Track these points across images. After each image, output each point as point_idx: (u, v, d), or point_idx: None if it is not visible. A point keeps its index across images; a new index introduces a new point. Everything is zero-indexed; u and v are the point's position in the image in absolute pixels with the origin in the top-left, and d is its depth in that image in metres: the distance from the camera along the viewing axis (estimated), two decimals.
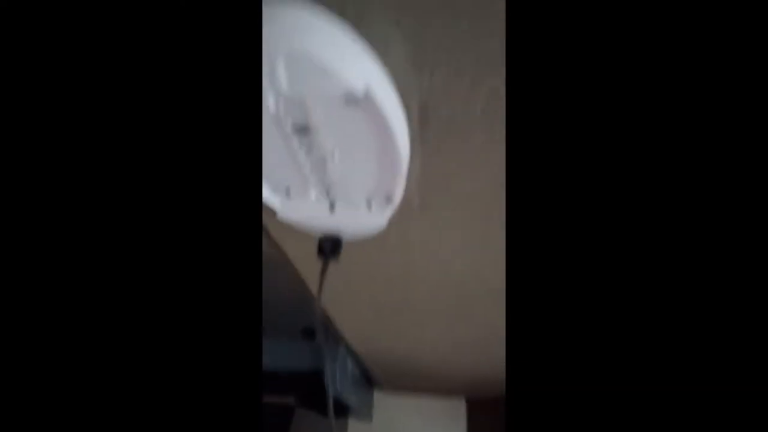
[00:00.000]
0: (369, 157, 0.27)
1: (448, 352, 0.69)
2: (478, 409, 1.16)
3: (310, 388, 0.98)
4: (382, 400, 1.20)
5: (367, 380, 1.14)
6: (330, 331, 0.92)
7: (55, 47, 0.17)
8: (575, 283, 0.18)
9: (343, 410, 1.09)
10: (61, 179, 0.17)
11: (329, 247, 0.34)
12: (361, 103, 0.21)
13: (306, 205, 0.33)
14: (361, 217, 0.32)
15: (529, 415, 0.18)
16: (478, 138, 0.26)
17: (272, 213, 0.33)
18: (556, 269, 0.18)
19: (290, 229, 0.37)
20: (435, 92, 0.23)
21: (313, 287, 0.55)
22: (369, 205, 0.31)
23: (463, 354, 0.69)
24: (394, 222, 0.34)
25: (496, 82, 0.22)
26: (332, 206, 0.33)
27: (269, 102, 0.23)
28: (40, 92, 0.17)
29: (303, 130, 0.25)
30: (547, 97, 0.18)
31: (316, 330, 1.00)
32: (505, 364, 0.62)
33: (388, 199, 0.30)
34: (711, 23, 0.16)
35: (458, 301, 0.51)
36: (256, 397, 0.19)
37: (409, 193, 0.33)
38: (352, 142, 0.25)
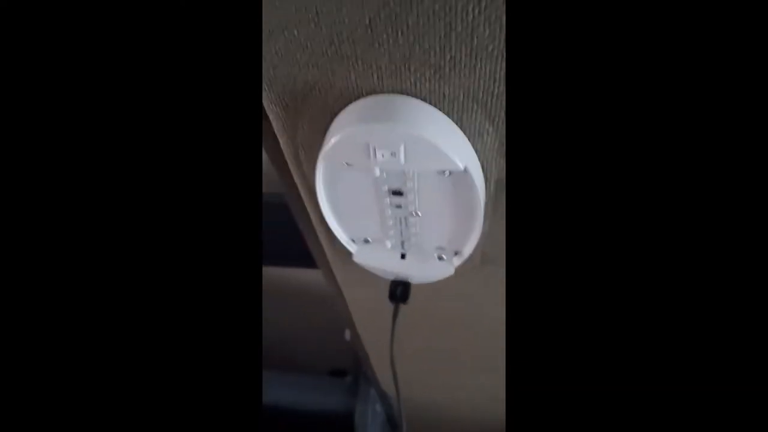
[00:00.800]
0: (449, 218, 0.31)
1: (482, 401, 0.71)
2: None
3: (339, 428, 0.99)
4: None
5: (392, 426, 1.14)
6: (362, 373, 0.94)
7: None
8: (575, 282, 0.18)
9: None
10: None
11: (401, 291, 0.38)
12: (455, 176, 0.27)
13: (380, 253, 0.37)
14: (430, 266, 0.37)
15: (529, 415, 0.18)
16: None
17: (345, 256, 0.38)
18: (556, 267, 0.18)
19: (355, 275, 0.41)
20: None
21: (364, 331, 0.58)
22: (440, 258, 0.36)
23: (498, 406, 0.70)
24: (457, 272, 0.38)
25: None
26: (403, 256, 0.37)
27: (375, 170, 0.28)
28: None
29: (397, 192, 0.30)
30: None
31: (347, 371, 1.02)
32: None
33: (458, 253, 0.35)
34: (711, 23, 0.16)
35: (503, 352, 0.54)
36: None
37: (475, 250, 0.37)
38: (436, 204, 0.30)
